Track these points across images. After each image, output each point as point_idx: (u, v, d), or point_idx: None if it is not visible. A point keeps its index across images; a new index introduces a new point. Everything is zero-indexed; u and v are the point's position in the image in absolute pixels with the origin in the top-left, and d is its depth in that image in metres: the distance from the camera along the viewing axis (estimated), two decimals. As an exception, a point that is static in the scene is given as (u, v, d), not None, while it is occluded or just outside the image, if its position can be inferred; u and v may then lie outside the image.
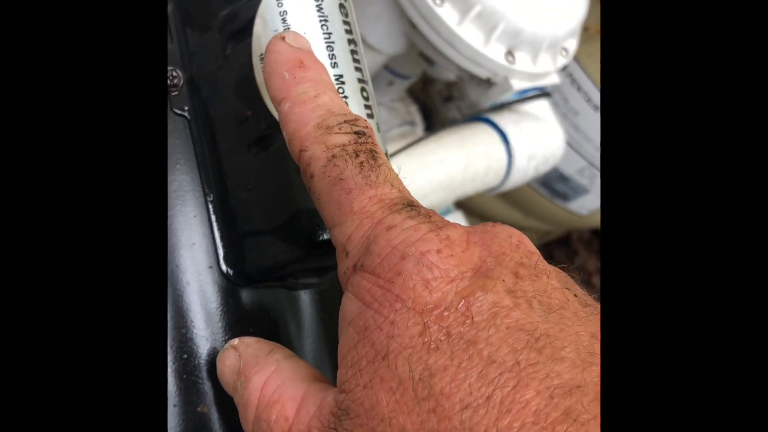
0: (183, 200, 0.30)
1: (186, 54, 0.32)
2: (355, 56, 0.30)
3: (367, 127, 0.26)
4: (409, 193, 0.25)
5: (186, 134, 0.31)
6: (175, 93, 0.31)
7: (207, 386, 0.29)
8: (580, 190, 1.01)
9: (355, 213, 0.24)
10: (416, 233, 0.23)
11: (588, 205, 1.05)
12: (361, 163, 0.24)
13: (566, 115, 0.92)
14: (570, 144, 0.92)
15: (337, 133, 0.25)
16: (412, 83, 0.88)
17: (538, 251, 0.24)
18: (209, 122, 0.31)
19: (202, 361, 0.29)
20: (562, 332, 0.21)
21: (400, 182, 0.25)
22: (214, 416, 0.29)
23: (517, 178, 0.70)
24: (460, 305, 0.21)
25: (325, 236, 0.28)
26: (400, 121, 0.87)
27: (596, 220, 1.10)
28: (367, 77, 0.30)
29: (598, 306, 0.23)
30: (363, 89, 0.29)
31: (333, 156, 0.24)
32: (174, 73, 0.31)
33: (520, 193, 1.01)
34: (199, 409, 0.29)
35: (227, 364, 0.27)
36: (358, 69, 0.29)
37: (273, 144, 0.29)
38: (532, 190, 1.02)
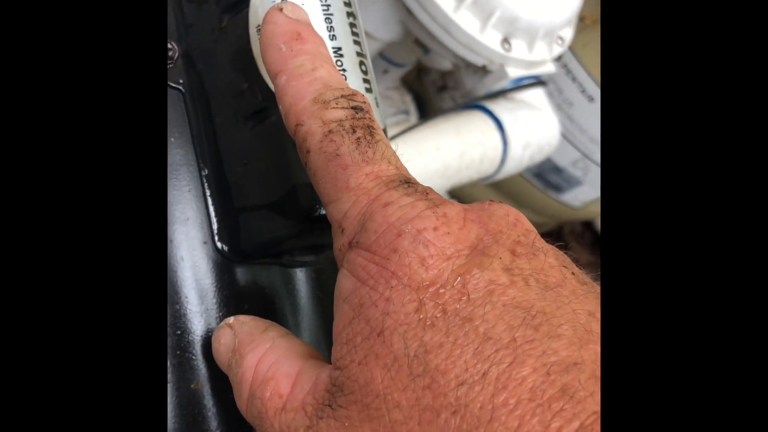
0: (177, 175, 0.30)
1: (182, 26, 0.31)
2: (354, 29, 0.29)
3: (364, 102, 0.25)
4: (407, 170, 0.25)
5: (180, 108, 0.31)
6: (170, 66, 0.30)
7: (201, 363, 0.29)
8: (573, 182, 1.01)
9: (351, 190, 0.24)
10: (413, 210, 0.22)
11: (581, 197, 1.05)
12: (358, 138, 0.24)
13: (560, 105, 0.91)
14: (564, 135, 0.91)
15: (334, 107, 0.24)
16: (406, 72, 0.88)
17: (535, 229, 0.24)
18: (204, 96, 0.30)
19: (196, 338, 0.29)
20: (559, 310, 0.21)
21: (398, 159, 0.25)
22: (208, 393, 0.29)
23: (512, 166, 0.70)
24: (456, 282, 0.21)
25: (323, 211, 0.28)
26: (394, 110, 0.87)
27: (589, 212, 1.10)
28: (366, 51, 0.30)
29: (596, 285, 0.23)
30: (362, 63, 0.29)
31: (329, 131, 0.24)
32: (169, 46, 0.30)
33: (513, 184, 1.01)
34: (192, 386, 0.28)
35: (222, 342, 0.27)
36: (356, 42, 0.29)
37: (270, 117, 0.28)
38: (525, 181, 1.02)
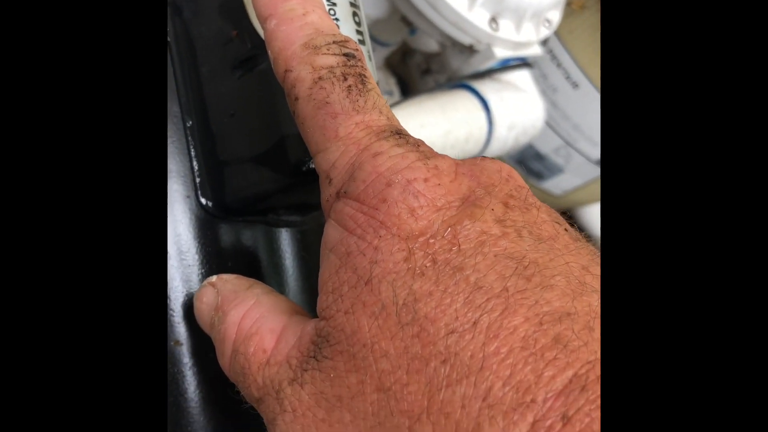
0: (160, 125, 0.29)
1: (167, -28, 0.30)
2: (347, -21, 0.28)
3: (357, 49, 0.24)
4: (398, 122, 0.24)
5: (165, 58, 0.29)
6: (155, 12, 0.29)
7: (181, 320, 0.28)
8: (555, 170, 1.01)
9: (341, 139, 0.23)
10: (403, 161, 0.22)
11: (562, 185, 1.05)
12: (349, 86, 0.23)
13: (544, 91, 0.91)
14: (547, 122, 0.91)
15: (324, 53, 0.24)
16: (391, 52, 0.87)
17: (527, 186, 0.23)
18: (190, 45, 0.29)
19: (177, 295, 0.28)
20: (551, 261, 0.20)
21: (389, 110, 0.24)
22: (188, 351, 0.28)
23: (497, 147, 0.69)
24: (447, 233, 0.20)
25: (312, 165, 0.27)
26: (378, 90, 0.86)
27: (569, 201, 1.10)
28: (359, 2, 0.29)
29: (589, 243, 0.22)
30: (355, 13, 0.28)
31: (319, 78, 0.23)
32: (154, -8, 0.29)
33: (496, 170, 1.00)
34: (172, 343, 0.27)
35: (204, 301, 0.26)
36: (350, -8, 0.28)
37: (259, 65, 0.27)
38: (507, 168, 1.01)
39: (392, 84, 0.95)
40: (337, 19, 0.27)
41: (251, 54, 0.27)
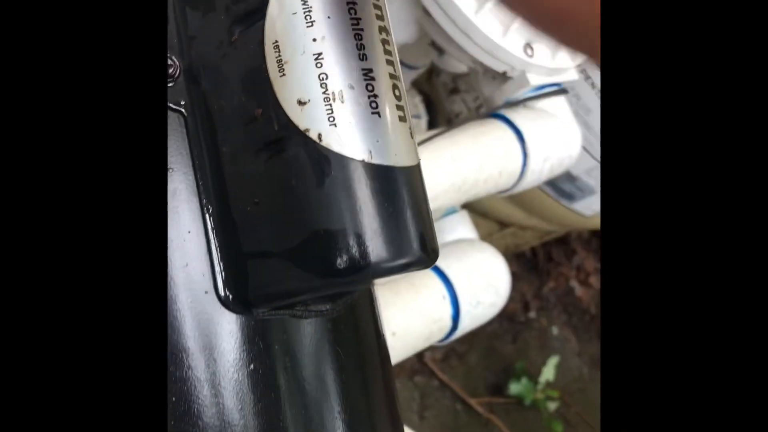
0: (176, 212, 0.25)
1: (184, 38, 0.27)
2: (387, 47, 0.25)
3: None
4: None
5: (181, 133, 0.26)
6: (170, 84, 0.26)
7: (202, 434, 0.25)
8: (587, 191, 0.98)
9: None
10: None
11: (594, 206, 1.01)
12: None
13: (578, 112, 0.87)
14: (580, 143, 0.88)
15: None
16: (418, 74, 0.84)
17: None
18: (210, 120, 0.26)
19: (194, 406, 0.25)
20: None
21: None
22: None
23: (531, 180, 0.66)
24: None
25: (346, 263, 0.24)
26: (404, 114, 0.82)
27: (599, 222, 1.07)
28: (399, 72, 0.25)
29: None
30: (395, 86, 0.25)
31: None
32: (169, 61, 0.26)
33: (525, 191, 0.97)
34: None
35: None
36: (390, 62, 0.25)
37: (287, 150, 0.24)
38: (537, 189, 0.98)
39: (419, 104, 0.92)
40: (375, 96, 0.24)
41: (278, 137, 0.24)
